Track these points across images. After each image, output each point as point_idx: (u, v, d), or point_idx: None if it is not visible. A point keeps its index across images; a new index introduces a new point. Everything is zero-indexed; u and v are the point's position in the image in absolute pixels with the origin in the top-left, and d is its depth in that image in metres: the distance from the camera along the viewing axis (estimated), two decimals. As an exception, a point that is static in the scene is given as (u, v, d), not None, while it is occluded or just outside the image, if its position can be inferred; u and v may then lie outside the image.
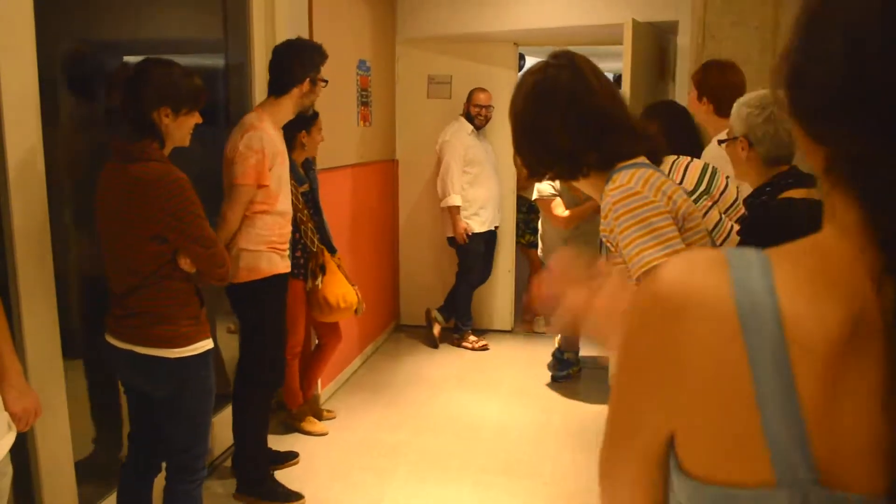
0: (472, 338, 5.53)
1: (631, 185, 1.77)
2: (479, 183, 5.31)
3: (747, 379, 0.61)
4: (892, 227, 0.58)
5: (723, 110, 3.08)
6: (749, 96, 2.22)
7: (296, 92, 3.21)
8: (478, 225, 5.33)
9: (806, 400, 0.60)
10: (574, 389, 4.74)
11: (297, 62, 3.19)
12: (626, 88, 4.27)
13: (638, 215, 1.75)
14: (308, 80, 3.21)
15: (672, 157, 2.76)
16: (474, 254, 5.39)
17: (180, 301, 2.34)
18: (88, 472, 2.78)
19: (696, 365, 0.64)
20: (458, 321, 5.54)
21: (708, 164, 2.70)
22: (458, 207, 5.25)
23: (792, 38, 0.65)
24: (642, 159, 1.87)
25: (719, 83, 3.07)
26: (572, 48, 1.90)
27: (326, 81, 3.34)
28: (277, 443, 3.75)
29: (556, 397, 4.63)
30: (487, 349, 5.50)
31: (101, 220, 2.34)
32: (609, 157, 1.83)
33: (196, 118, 2.39)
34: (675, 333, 0.65)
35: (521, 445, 3.92)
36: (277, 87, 3.23)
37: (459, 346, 5.52)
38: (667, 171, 2.70)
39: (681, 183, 2.66)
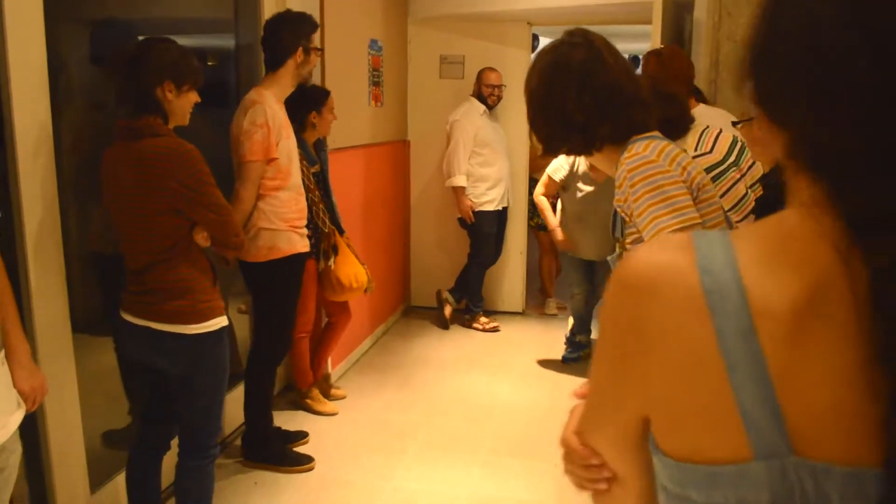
0: (482, 319, 5.52)
1: (646, 153, 1.78)
2: (489, 163, 5.27)
3: (716, 353, 0.62)
4: (859, 208, 0.59)
5: None
6: None
7: (291, 63, 3.22)
8: (489, 205, 5.30)
9: (774, 367, 0.60)
10: (585, 371, 4.71)
11: (287, 33, 3.20)
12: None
13: (652, 183, 1.75)
14: (301, 48, 3.21)
15: (702, 126, 2.75)
16: (485, 234, 5.36)
17: (196, 277, 2.35)
18: (99, 450, 2.80)
19: (666, 346, 0.65)
20: (469, 302, 5.53)
21: (737, 137, 2.68)
22: (462, 188, 5.22)
23: (756, 25, 0.66)
24: (657, 133, 1.87)
25: (658, 73, 3.08)
26: (587, 28, 1.90)
27: (321, 49, 3.35)
28: (287, 422, 3.77)
29: (566, 379, 4.61)
30: (498, 330, 5.49)
31: (112, 199, 2.35)
32: (623, 130, 1.84)
33: (196, 96, 2.41)
34: (644, 316, 0.66)
35: (532, 427, 3.92)
36: (273, 62, 3.24)
37: (470, 327, 5.52)
38: (696, 141, 2.69)
39: (710, 152, 2.64)
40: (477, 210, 5.26)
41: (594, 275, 4.67)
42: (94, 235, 2.90)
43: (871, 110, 0.58)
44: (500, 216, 5.47)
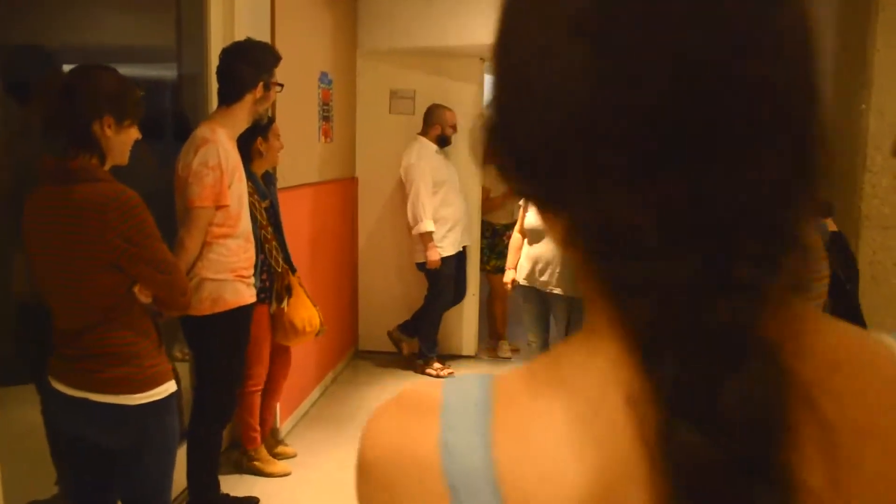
0: (437, 365, 5.28)
1: None
2: (447, 203, 5.08)
3: None
4: (648, 315, 0.41)
5: None
6: None
7: (249, 98, 2.92)
8: (448, 248, 5.10)
9: None
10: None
11: (248, 65, 2.91)
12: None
13: None
14: (261, 83, 2.93)
15: None
16: (446, 276, 5.15)
17: (140, 340, 2.06)
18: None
19: None
20: (422, 347, 5.29)
21: None
22: (430, 234, 4.99)
23: (496, 91, 0.51)
24: None
25: None
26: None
27: (282, 85, 3.07)
28: (234, 487, 3.44)
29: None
30: (453, 376, 5.25)
31: (39, 251, 2.04)
32: None
33: (137, 132, 2.12)
34: None
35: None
36: (229, 95, 2.94)
37: (424, 373, 5.27)
38: None
39: None
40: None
41: (555, 318, 4.43)
42: (18, 281, 2.57)
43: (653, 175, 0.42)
44: (460, 257, 5.29)
